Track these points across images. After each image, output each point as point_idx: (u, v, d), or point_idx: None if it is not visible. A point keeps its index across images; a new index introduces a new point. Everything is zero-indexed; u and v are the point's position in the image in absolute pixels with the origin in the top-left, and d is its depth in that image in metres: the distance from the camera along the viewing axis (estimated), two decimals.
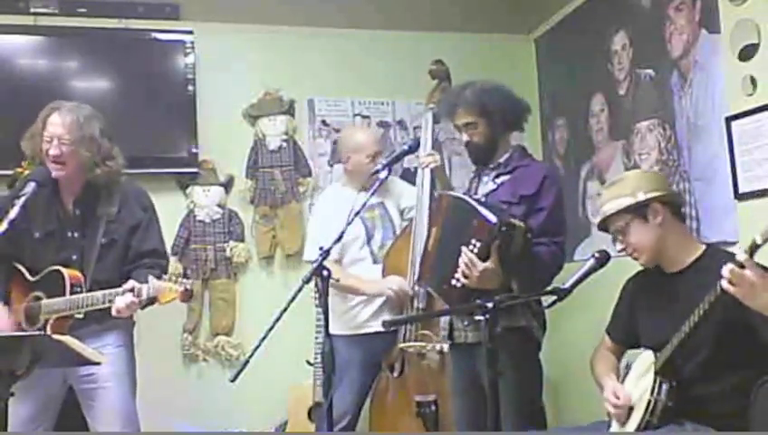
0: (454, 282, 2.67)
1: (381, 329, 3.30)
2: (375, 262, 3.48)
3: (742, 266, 2.02)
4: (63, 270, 2.80)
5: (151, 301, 2.69)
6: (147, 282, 2.64)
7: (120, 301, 2.66)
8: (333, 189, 3.73)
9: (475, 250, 2.61)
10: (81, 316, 2.76)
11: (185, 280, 2.70)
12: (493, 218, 2.59)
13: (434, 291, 2.87)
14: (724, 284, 2.05)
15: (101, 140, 2.88)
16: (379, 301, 3.39)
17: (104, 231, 2.87)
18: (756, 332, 2.14)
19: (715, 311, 2.13)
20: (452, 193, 2.95)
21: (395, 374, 3.34)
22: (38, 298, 2.84)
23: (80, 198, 2.92)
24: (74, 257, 2.87)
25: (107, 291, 2.70)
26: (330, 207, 3.54)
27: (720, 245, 3.00)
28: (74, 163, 2.84)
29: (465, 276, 2.62)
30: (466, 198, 2.83)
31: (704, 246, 2.42)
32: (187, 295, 2.64)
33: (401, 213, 3.60)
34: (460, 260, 2.63)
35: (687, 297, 2.23)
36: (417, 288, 3.24)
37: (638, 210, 2.38)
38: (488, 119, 2.86)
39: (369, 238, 3.51)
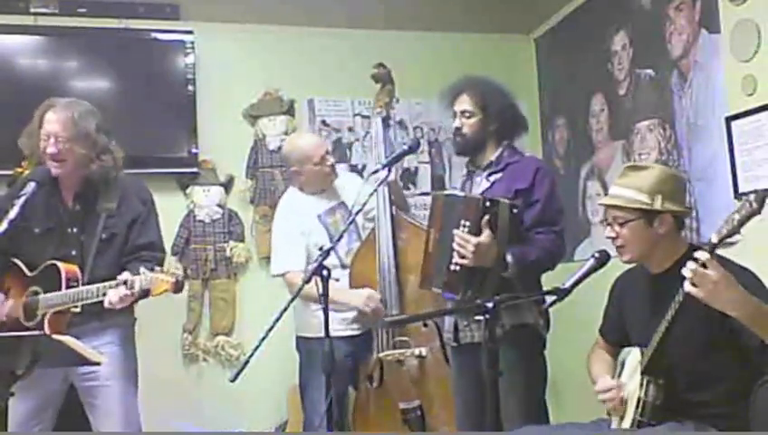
0: (452, 268, 2.70)
1: (351, 334, 3.31)
2: (343, 267, 3.41)
3: (704, 266, 2.01)
4: (59, 264, 2.80)
5: (145, 293, 2.66)
6: (139, 274, 2.64)
7: (113, 293, 2.64)
8: (291, 196, 3.56)
9: (466, 229, 2.66)
10: (78, 310, 2.75)
11: (176, 271, 2.69)
12: (476, 196, 2.70)
13: (436, 289, 2.87)
14: (687, 285, 2.05)
15: (97, 136, 2.88)
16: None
17: (104, 226, 2.87)
18: (739, 336, 2.13)
19: (693, 311, 2.12)
20: (445, 192, 2.98)
21: (374, 384, 3.29)
22: (36, 293, 2.84)
23: (80, 194, 2.93)
24: (73, 253, 2.87)
25: (101, 284, 2.69)
26: (291, 218, 3.46)
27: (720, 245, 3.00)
28: (71, 160, 2.84)
29: (462, 256, 2.65)
30: (454, 191, 2.90)
31: (686, 246, 2.40)
32: (179, 286, 2.62)
33: (363, 212, 3.45)
34: (454, 243, 2.67)
35: (669, 297, 2.22)
36: (388, 295, 3.21)
37: (648, 214, 2.31)
38: (486, 114, 2.89)
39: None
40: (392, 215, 3.28)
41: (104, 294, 2.67)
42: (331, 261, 3.35)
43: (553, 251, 2.77)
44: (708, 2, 3.30)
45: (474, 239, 2.63)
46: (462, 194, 2.82)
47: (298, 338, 3.48)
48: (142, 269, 2.63)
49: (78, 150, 2.83)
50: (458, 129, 2.91)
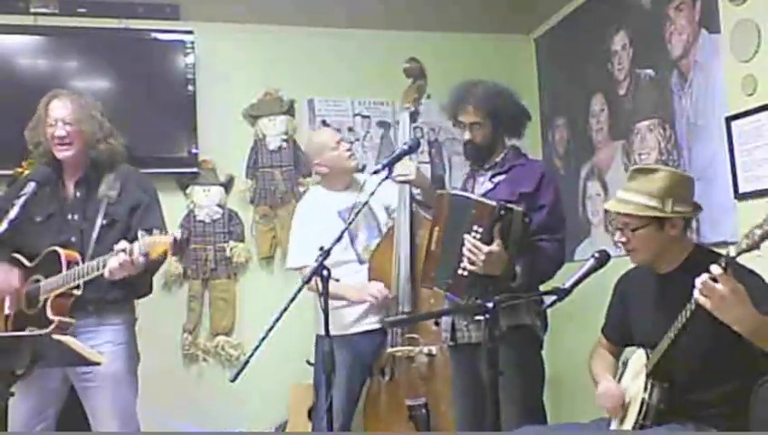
0: (460, 271, 2.69)
1: (368, 329, 3.34)
2: (361, 262, 3.46)
3: (715, 280, 2.01)
4: (59, 250, 2.81)
5: (145, 259, 2.64)
6: (137, 240, 2.63)
7: (113, 261, 2.64)
8: (314, 194, 3.67)
9: (478, 235, 2.64)
10: (79, 292, 2.76)
11: (174, 232, 2.66)
12: (491, 202, 2.66)
13: (439, 288, 2.87)
14: (696, 294, 2.05)
15: (102, 119, 2.96)
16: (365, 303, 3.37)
17: (105, 212, 2.89)
18: (743, 340, 2.12)
19: (703, 317, 2.11)
20: (452, 191, 2.96)
21: (386, 378, 3.33)
22: (37, 281, 2.85)
23: (82, 180, 2.96)
24: (73, 239, 2.89)
25: (101, 258, 2.70)
26: (311, 212, 3.52)
27: (720, 245, 3.01)
28: (79, 142, 2.90)
29: (472, 263, 2.64)
30: (463, 192, 2.89)
31: (692, 246, 2.41)
32: (178, 246, 2.60)
33: (387, 210, 3.55)
34: (464, 249, 2.66)
35: (675, 297, 2.23)
36: (401, 292, 3.23)
37: (660, 219, 2.31)
38: (494, 121, 2.89)
39: (353, 239, 3.47)
40: (412, 212, 3.29)
41: (104, 266, 2.67)
42: (348, 256, 3.44)
43: (556, 260, 2.79)
44: (708, 2, 3.29)
45: (485, 248, 2.62)
46: (474, 197, 2.78)
47: (317, 337, 3.52)
48: (140, 233, 2.62)
49: (86, 131, 2.89)
50: (470, 140, 2.91)
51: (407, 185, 3.28)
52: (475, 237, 2.65)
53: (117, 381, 2.88)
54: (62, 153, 2.89)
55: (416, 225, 3.29)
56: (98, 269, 2.69)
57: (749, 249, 1.97)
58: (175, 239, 2.59)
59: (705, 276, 2.03)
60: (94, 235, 2.86)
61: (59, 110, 2.89)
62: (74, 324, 2.76)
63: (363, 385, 3.46)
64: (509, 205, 2.66)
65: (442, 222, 2.84)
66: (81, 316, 2.81)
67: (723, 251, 2.13)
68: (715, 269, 2.01)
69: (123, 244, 2.65)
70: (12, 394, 2.32)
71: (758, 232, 1.95)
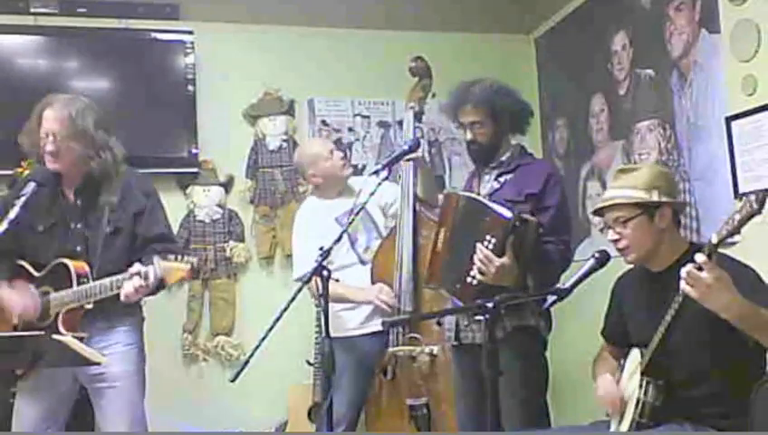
0: (469, 279, 2.67)
1: (374, 330, 3.33)
2: (363, 263, 3.44)
3: (700, 268, 2.02)
4: (68, 262, 2.78)
5: (161, 284, 2.64)
6: (152, 264, 2.60)
7: (128, 285, 2.62)
8: (310, 203, 3.65)
9: (490, 246, 2.61)
10: (90, 306, 2.73)
11: (189, 257, 2.65)
12: (507, 214, 2.61)
13: (446, 291, 2.86)
14: (683, 284, 2.06)
15: (95, 133, 2.86)
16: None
17: (108, 220, 2.85)
18: (735, 330, 2.12)
19: (693, 311, 2.12)
20: (462, 193, 2.92)
21: (387, 378, 3.32)
22: (46, 293, 2.82)
23: (81, 189, 2.92)
24: (79, 249, 2.85)
25: (114, 277, 2.67)
26: (309, 222, 3.51)
27: (720, 245, 3.00)
28: (68, 158, 2.84)
29: (482, 273, 2.62)
30: (476, 196, 2.83)
31: (687, 244, 2.42)
32: (194, 273, 2.62)
33: (383, 210, 3.54)
34: (475, 257, 2.63)
35: (670, 295, 2.23)
36: (403, 292, 3.22)
37: (648, 209, 2.33)
38: (495, 119, 2.86)
39: (353, 242, 3.46)
40: (415, 211, 3.28)
41: (118, 287, 2.65)
42: (350, 259, 3.43)
43: (563, 264, 2.76)
44: (708, 2, 3.30)
45: (497, 260, 2.58)
46: (490, 205, 2.71)
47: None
48: (156, 259, 2.60)
49: (76, 148, 2.82)
50: (472, 140, 2.89)
51: (410, 185, 3.26)
52: (487, 247, 2.61)
53: (128, 380, 2.87)
54: (52, 165, 2.84)
55: (419, 225, 3.28)
56: (111, 290, 2.67)
57: (730, 235, 2.00)
58: (192, 266, 2.59)
59: (689, 266, 2.04)
60: (100, 244, 2.82)
61: (50, 122, 2.81)
62: (85, 339, 2.73)
63: (370, 387, 3.45)
64: (524, 216, 2.62)
65: (450, 223, 2.81)
66: (90, 319, 2.78)
67: (722, 250, 2.13)
68: (699, 257, 2.03)
69: (138, 267, 2.61)
70: (13, 394, 2.32)
71: (737, 217, 1.98)
